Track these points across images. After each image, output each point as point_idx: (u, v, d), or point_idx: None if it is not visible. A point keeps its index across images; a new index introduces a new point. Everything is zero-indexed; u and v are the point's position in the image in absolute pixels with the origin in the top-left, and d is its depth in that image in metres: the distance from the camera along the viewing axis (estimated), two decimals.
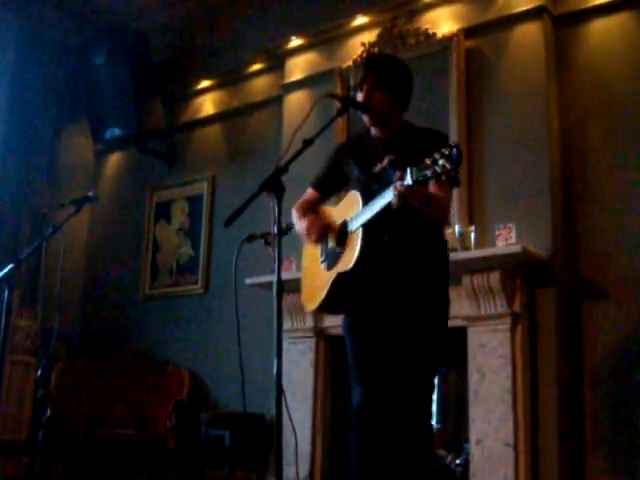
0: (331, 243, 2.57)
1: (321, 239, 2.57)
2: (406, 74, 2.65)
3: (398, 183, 2.16)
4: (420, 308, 2.43)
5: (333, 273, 2.49)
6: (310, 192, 2.78)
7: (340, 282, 2.47)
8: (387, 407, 2.46)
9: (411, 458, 2.40)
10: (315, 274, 2.64)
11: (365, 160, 2.58)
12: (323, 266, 2.59)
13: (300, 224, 2.63)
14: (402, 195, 2.16)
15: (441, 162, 2.01)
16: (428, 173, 2.04)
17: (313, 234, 2.56)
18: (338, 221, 2.56)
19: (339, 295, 2.53)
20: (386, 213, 2.29)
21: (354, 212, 2.44)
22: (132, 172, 6.34)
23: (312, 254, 2.69)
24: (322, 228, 2.55)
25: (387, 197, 2.23)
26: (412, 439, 2.40)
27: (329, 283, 2.50)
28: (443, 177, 2.03)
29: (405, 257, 2.43)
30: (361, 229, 2.38)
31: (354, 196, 2.49)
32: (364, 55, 4.69)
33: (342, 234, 2.50)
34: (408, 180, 2.12)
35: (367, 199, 2.41)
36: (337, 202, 2.69)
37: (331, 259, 2.54)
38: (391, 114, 2.59)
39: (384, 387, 2.48)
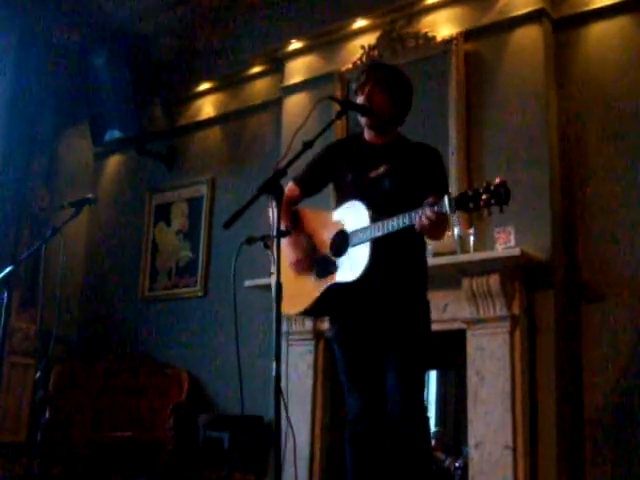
0: (324, 250, 2.54)
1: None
2: (408, 87, 2.64)
3: (429, 210, 2.15)
4: (404, 317, 2.45)
5: (328, 281, 2.48)
6: (292, 188, 2.69)
7: (334, 291, 2.47)
8: (385, 412, 2.46)
9: (411, 460, 2.40)
10: (298, 277, 2.58)
11: (359, 165, 2.57)
12: (311, 271, 2.56)
13: (286, 249, 2.57)
14: (433, 223, 2.17)
15: (484, 197, 2.01)
16: (471, 205, 2.03)
17: (299, 269, 2.56)
18: (334, 228, 2.53)
19: (329, 302, 2.53)
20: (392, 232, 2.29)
21: (358, 224, 2.41)
22: (132, 174, 6.34)
23: None
24: (308, 266, 2.55)
25: (411, 219, 2.23)
26: (411, 441, 2.40)
27: (321, 290, 2.49)
28: (485, 212, 2.02)
29: (395, 272, 2.44)
30: (369, 244, 2.35)
31: (359, 208, 2.43)
32: (364, 59, 4.70)
33: (340, 244, 2.48)
34: (446, 208, 2.11)
35: (364, 204, 2.42)
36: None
37: (323, 266, 2.52)
38: (389, 120, 2.58)
39: (381, 393, 2.47)
